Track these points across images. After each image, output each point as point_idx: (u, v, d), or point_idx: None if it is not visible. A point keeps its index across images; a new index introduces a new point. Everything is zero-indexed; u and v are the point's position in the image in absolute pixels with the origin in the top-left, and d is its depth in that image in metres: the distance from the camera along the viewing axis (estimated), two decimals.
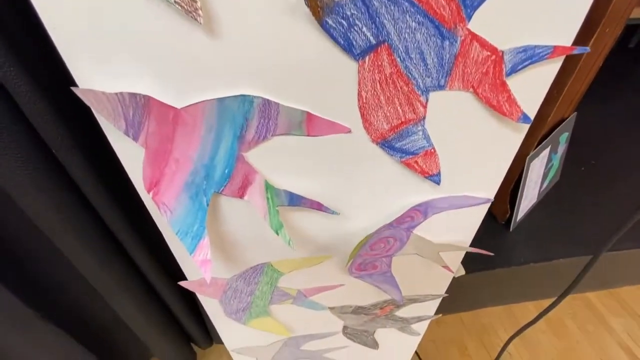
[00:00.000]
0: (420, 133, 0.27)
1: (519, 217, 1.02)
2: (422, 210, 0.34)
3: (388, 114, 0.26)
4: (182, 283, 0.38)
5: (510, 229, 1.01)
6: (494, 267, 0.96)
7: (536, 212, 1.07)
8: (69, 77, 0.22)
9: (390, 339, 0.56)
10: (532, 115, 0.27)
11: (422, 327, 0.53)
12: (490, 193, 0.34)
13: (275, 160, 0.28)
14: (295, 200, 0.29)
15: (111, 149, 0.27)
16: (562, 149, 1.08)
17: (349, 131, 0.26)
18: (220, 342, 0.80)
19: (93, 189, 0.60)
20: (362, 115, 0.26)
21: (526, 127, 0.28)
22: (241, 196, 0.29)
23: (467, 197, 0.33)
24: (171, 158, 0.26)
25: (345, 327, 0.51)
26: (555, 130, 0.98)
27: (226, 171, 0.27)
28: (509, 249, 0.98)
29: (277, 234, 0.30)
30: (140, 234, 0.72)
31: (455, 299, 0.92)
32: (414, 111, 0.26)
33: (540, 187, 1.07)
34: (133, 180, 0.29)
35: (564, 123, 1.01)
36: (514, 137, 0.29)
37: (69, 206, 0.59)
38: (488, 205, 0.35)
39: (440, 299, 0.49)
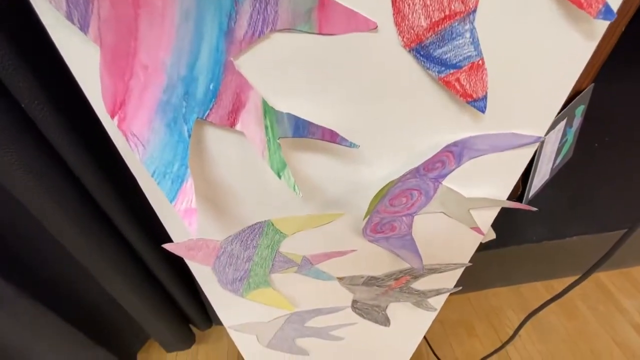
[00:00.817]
0: (468, 35, 0.20)
1: (530, 194, 0.96)
2: (456, 153, 0.27)
3: (428, 2, 0.19)
4: (166, 245, 0.31)
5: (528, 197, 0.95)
6: (505, 245, 0.90)
7: (548, 189, 1.01)
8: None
9: (402, 315, 0.50)
10: (615, 8, 0.20)
11: (439, 302, 0.47)
12: (542, 129, 0.27)
13: (275, 73, 0.21)
14: (302, 129, 0.22)
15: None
16: (577, 122, 1.01)
17: (375, 28, 0.19)
18: (220, 323, 0.74)
19: (85, 170, 0.55)
20: (394, 3, 0.19)
21: (602, 30, 0.21)
22: (232, 124, 0.22)
23: (514, 136, 0.27)
24: (137, 63, 0.19)
25: (354, 302, 0.45)
26: (572, 102, 0.91)
27: (211, 86, 0.20)
28: (520, 227, 0.92)
29: (279, 176, 0.24)
30: (134, 213, 0.66)
31: (463, 279, 0.87)
32: None
33: (553, 163, 1.00)
34: (92, 103, 0.22)
35: (581, 94, 0.94)
36: (585, 47, 0.22)
37: (60, 188, 0.54)
38: (536, 147, 0.28)
39: (463, 269, 0.43)
